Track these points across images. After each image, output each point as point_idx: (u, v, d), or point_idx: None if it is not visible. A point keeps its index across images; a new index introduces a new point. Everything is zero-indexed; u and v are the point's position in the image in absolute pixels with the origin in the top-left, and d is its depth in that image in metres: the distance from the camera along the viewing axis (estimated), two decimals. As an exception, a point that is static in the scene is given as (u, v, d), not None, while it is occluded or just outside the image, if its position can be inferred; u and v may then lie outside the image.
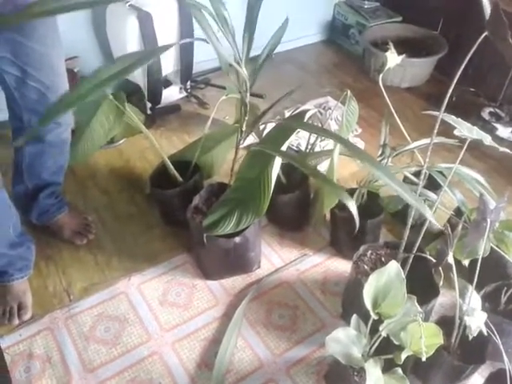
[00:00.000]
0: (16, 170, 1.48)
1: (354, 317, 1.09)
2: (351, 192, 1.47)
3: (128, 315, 1.42)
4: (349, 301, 1.41)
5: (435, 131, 0.97)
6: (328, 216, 1.63)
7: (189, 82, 2.27)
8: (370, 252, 1.35)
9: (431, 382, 1.23)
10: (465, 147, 1.08)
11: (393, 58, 1.26)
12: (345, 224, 1.51)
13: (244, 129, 1.27)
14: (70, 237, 1.61)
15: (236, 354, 1.33)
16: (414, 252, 1.17)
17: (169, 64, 2.08)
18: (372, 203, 1.51)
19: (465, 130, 1.08)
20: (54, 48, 1.25)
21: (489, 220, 0.98)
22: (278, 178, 1.34)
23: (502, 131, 2.14)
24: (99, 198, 1.81)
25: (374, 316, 1.03)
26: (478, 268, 1.08)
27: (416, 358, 1.01)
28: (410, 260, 1.18)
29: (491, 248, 1.21)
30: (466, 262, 1.23)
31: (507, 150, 1.22)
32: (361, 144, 2.07)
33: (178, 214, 1.54)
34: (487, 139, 1.11)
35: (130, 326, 1.39)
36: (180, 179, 1.57)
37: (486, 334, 1.07)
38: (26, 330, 1.37)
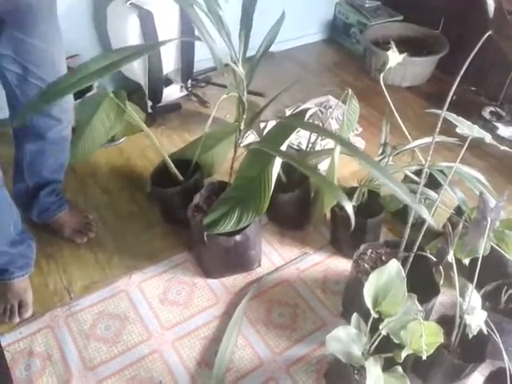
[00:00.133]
0: (17, 168, 1.48)
1: (355, 315, 1.09)
2: (352, 191, 1.47)
3: (128, 313, 1.42)
4: (349, 299, 1.41)
5: (437, 130, 0.97)
6: (328, 215, 1.63)
7: (189, 81, 2.27)
8: (370, 251, 1.35)
9: (431, 381, 1.23)
10: (465, 146, 1.08)
11: (394, 57, 1.25)
12: (345, 223, 1.50)
13: (242, 127, 1.27)
14: (71, 235, 1.61)
15: (236, 353, 1.33)
16: (415, 251, 1.17)
17: (170, 62, 2.08)
18: (372, 202, 1.51)
19: (466, 128, 1.08)
20: (54, 45, 1.25)
21: (489, 219, 0.98)
22: (279, 176, 1.34)
23: (503, 130, 2.14)
24: (100, 197, 1.81)
25: (374, 314, 1.03)
26: (478, 267, 1.08)
27: (416, 357, 1.02)
28: (411, 259, 1.18)
29: (491, 247, 1.22)
30: (466, 261, 1.23)
31: (508, 149, 1.22)
32: (361, 143, 2.06)
33: (178, 212, 1.54)
34: (488, 138, 1.11)
35: (131, 324, 1.39)
36: (181, 178, 1.57)
37: (486, 332, 1.07)
38: (26, 328, 1.37)
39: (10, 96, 1.29)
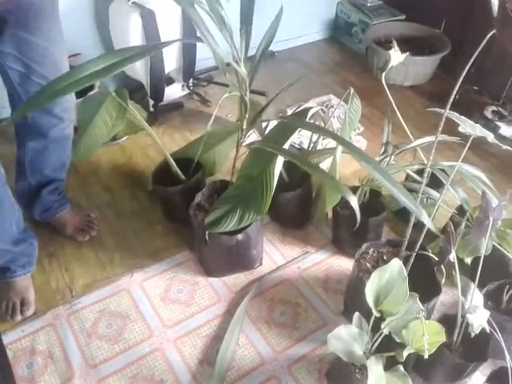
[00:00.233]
0: (19, 166, 1.48)
1: (356, 314, 1.09)
2: (353, 190, 1.47)
3: (130, 312, 1.42)
4: (351, 298, 1.41)
5: (440, 128, 0.97)
6: (330, 214, 1.63)
7: (191, 80, 2.28)
8: (372, 250, 1.35)
9: (433, 380, 1.23)
10: (468, 145, 1.08)
11: (396, 56, 1.25)
12: (347, 222, 1.51)
13: (245, 127, 1.27)
14: (73, 233, 1.61)
15: (238, 351, 1.33)
16: (416, 250, 1.17)
17: (171, 61, 2.08)
18: (374, 201, 1.51)
19: (468, 127, 1.08)
20: (57, 43, 1.25)
21: (491, 218, 0.98)
22: (280, 175, 1.34)
23: (505, 130, 2.14)
24: (102, 195, 1.81)
25: (375, 314, 1.03)
26: (480, 266, 1.08)
27: (418, 356, 1.02)
28: (413, 258, 1.18)
29: (493, 246, 1.22)
30: (468, 260, 1.23)
31: (510, 148, 1.22)
32: (363, 142, 2.06)
33: (180, 211, 1.54)
34: (490, 137, 1.11)
35: (132, 323, 1.39)
36: (182, 177, 1.57)
37: (488, 331, 1.07)
38: (28, 326, 1.37)
39: (12, 95, 1.30)
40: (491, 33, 0.81)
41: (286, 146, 1.23)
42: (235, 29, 1.11)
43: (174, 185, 1.55)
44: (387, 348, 1.04)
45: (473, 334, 1.06)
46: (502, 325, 1.10)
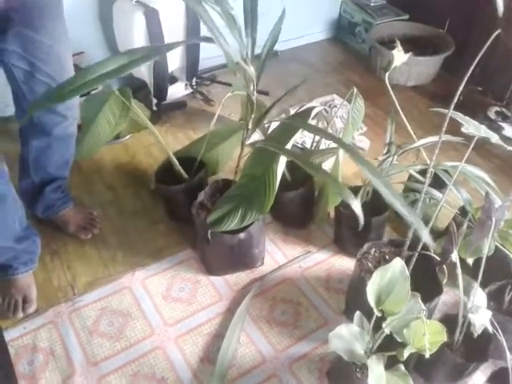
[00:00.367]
0: (22, 164, 1.49)
1: (358, 313, 1.09)
2: (356, 190, 1.47)
3: (132, 310, 1.42)
4: (352, 298, 1.41)
5: (444, 129, 0.96)
6: (332, 214, 1.63)
7: (194, 79, 2.28)
8: (373, 250, 1.35)
9: (434, 380, 1.23)
10: (471, 146, 1.08)
11: (399, 56, 1.25)
12: (349, 222, 1.51)
13: (250, 126, 1.27)
14: (75, 231, 1.62)
15: (239, 350, 1.33)
16: (419, 250, 1.17)
17: (175, 60, 2.08)
18: (377, 201, 1.50)
19: (472, 128, 1.08)
20: (61, 42, 1.25)
21: (494, 219, 0.98)
22: (283, 175, 1.34)
23: (509, 130, 2.13)
24: (104, 193, 1.82)
25: (377, 313, 1.03)
26: (482, 267, 1.08)
27: (419, 356, 1.02)
28: (415, 258, 1.18)
29: (496, 247, 1.21)
30: (470, 261, 1.23)
31: (514, 149, 1.22)
32: (366, 142, 2.06)
33: (182, 210, 1.54)
34: (495, 138, 1.11)
35: (134, 321, 1.40)
36: (185, 175, 1.57)
37: (491, 331, 1.07)
38: (30, 323, 1.38)
39: (17, 93, 1.30)
40: (496, 32, 0.81)
41: (290, 145, 1.23)
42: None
43: (177, 184, 1.55)
44: (388, 347, 1.04)
45: (475, 334, 1.06)
46: (503, 325, 1.10)
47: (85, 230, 1.62)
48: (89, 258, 1.57)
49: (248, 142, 1.34)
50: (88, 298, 1.45)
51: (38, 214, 1.59)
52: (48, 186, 1.52)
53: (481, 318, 1.05)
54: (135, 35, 1.91)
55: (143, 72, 2.05)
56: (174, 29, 1.97)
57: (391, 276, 1.03)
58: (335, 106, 2.18)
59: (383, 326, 1.02)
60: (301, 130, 1.30)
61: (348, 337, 1.04)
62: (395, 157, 1.38)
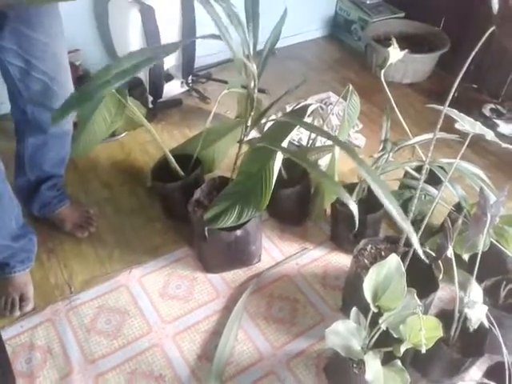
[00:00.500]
0: (18, 162, 1.48)
1: (354, 310, 1.09)
2: (352, 187, 1.48)
3: (129, 307, 1.42)
4: (349, 294, 1.42)
5: (439, 126, 0.97)
6: (328, 210, 1.64)
7: (190, 77, 2.27)
8: (370, 246, 1.36)
9: (430, 375, 1.24)
10: (466, 142, 1.08)
11: (395, 54, 1.26)
12: (345, 219, 1.52)
13: (249, 124, 1.27)
14: (72, 229, 1.62)
15: (236, 347, 1.33)
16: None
17: (171, 58, 2.08)
18: (373, 198, 1.50)
19: (467, 125, 1.08)
20: (57, 39, 1.25)
21: (489, 215, 0.99)
22: (280, 172, 1.34)
23: (504, 128, 2.15)
24: (101, 191, 1.81)
25: (373, 309, 1.04)
26: (477, 262, 1.08)
27: (415, 351, 1.02)
28: (410, 254, 1.19)
29: (491, 243, 1.22)
30: (465, 257, 1.23)
31: (510, 146, 1.22)
32: (362, 139, 2.07)
33: (179, 207, 1.55)
34: (490, 135, 1.11)
35: (131, 318, 1.40)
36: (181, 173, 1.57)
37: (487, 326, 1.08)
38: (27, 322, 1.37)
39: (12, 90, 1.30)
40: (491, 29, 0.81)
41: (286, 143, 1.23)
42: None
43: (173, 181, 1.55)
44: (385, 343, 1.04)
45: (471, 329, 1.07)
46: (499, 320, 1.11)
47: (81, 228, 1.62)
48: (85, 256, 1.57)
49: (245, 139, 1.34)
50: (85, 296, 1.45)
51: (34, 212, 1.59)
52: (44, 183, 1.52)
53: (477, 312, 1.06)
54: (131, 32, 1.91)
55: (139, 70, 2.04)
56: (169, 26, 1.97)
57: (387, 272, 1.04)
58: (331, 104, 2.18)
59: (380, 321, 1.03)
60: (297, 128, 1.31)
61: (345, 333, 1.05)
62: (391, 154, 1.39)
